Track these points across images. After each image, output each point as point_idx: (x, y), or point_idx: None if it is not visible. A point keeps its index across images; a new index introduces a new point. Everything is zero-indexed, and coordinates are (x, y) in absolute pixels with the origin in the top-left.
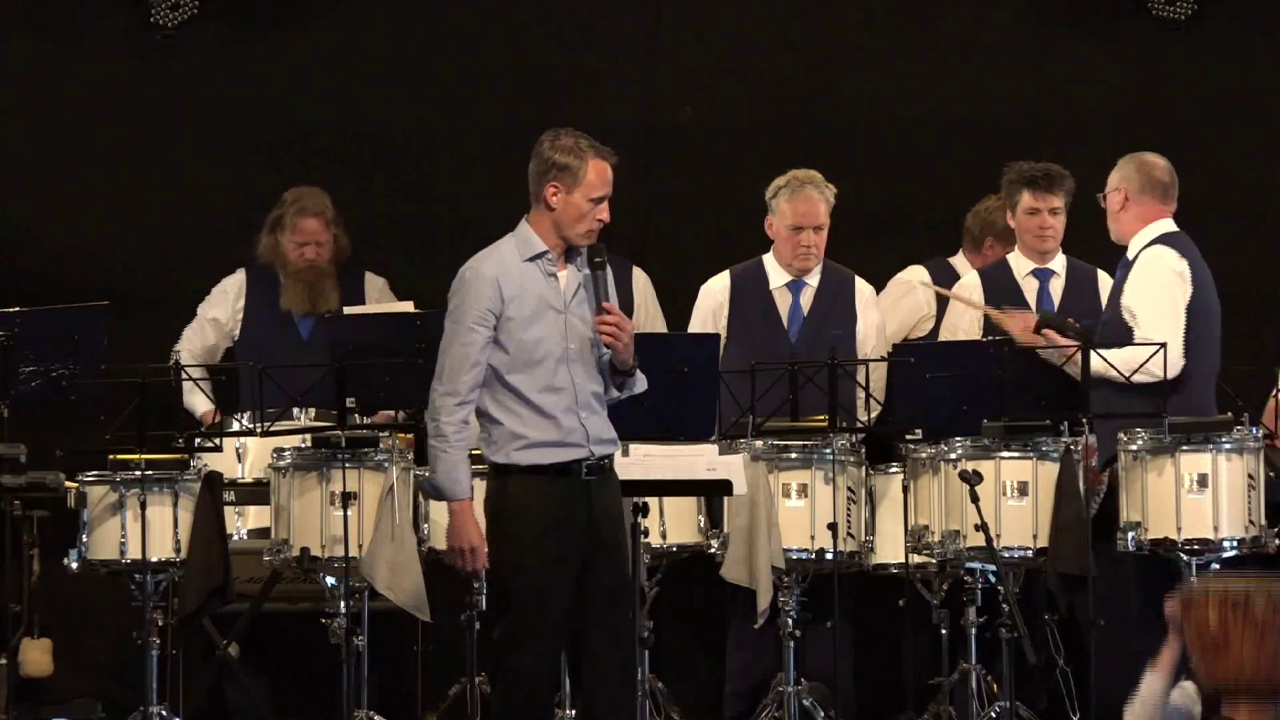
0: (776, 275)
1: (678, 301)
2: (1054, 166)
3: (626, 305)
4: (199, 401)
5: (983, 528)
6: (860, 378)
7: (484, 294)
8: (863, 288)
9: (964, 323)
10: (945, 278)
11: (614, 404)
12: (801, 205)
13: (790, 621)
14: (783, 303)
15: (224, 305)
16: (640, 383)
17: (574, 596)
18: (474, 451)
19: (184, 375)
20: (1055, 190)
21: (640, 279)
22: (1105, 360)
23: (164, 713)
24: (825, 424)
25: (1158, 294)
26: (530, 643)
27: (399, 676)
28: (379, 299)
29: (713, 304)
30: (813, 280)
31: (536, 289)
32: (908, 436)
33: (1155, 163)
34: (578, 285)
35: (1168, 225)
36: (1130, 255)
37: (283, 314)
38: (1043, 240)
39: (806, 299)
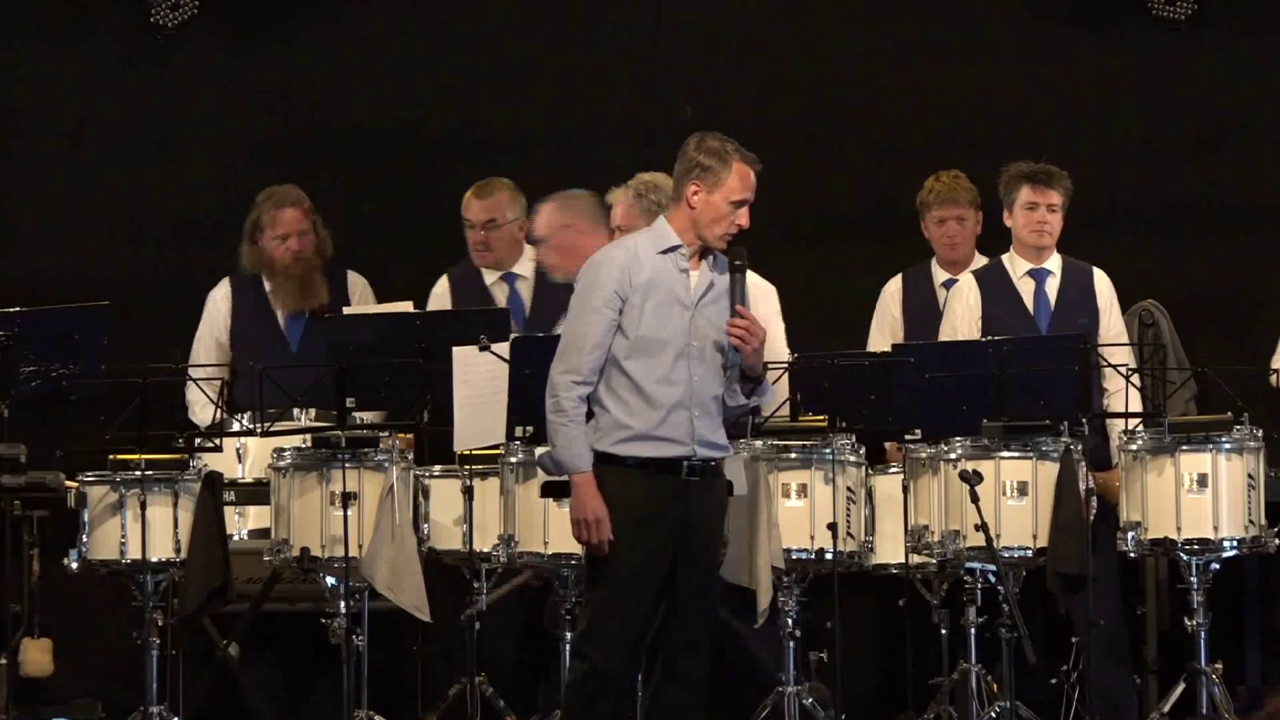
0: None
1: None
2: (1051, 166)
3: None
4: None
5: (983, 528)
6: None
7: (612, 277)
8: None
9: (963, 324)
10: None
11: (742, 413)
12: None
13: (790, 621)
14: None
15: (215, 316)
16: (769, 391)
17: (662, 591)
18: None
19: (189, 376)
20: (1053, 186)
21: None
22: None
23: (164, 713)
24: (825, 424)
25: None
26: (614, 629)
27: (399, 676)
28: (360, 298)
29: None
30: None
31: (666, 281)
32: (907, 436)
33: None
34: (708, 285)
35: None
36: None
37: (269, 326)
38: (1040, 235)
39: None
